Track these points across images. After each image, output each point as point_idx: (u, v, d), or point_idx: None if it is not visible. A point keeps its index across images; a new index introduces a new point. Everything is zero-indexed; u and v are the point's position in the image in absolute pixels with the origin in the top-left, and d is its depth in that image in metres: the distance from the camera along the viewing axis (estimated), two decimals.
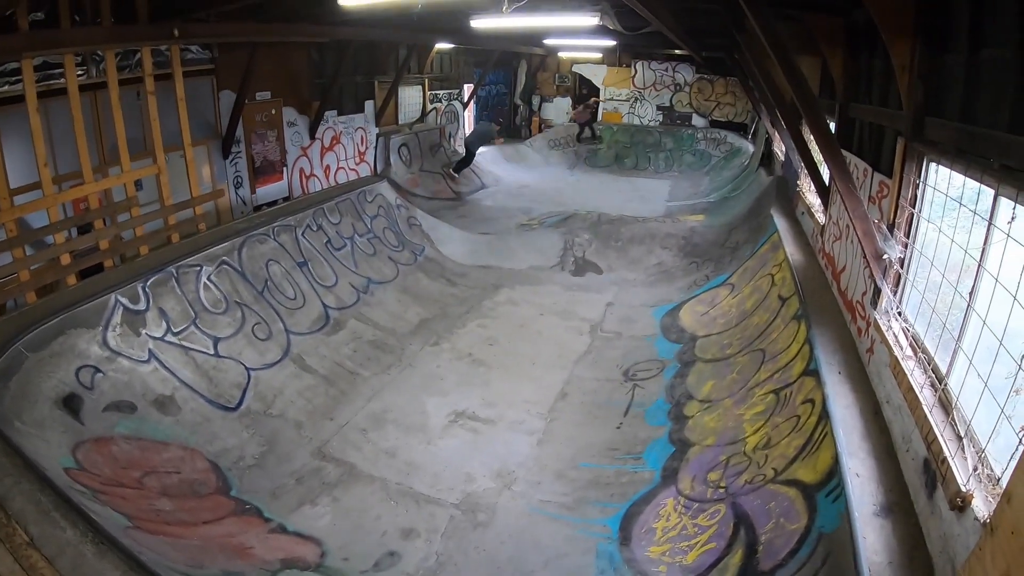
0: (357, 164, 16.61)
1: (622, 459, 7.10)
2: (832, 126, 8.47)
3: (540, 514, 6.31)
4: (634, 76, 25.92)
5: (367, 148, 17.07)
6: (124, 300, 7.57)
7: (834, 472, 4.81)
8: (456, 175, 18.98)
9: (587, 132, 25.28)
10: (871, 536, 4.16)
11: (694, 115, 25.27)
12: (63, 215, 8.24)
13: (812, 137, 9.42)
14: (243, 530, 5.74)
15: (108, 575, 4.06)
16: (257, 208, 12.72)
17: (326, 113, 14.81)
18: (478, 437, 7.64)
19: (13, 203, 7.58)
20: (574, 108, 23.92)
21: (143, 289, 7.87)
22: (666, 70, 25.44)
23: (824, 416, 5.54)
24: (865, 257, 6.34)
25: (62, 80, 8.07)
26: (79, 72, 8.26)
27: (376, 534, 6.00)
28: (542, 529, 6.10)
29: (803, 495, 4.96)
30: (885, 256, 6.14)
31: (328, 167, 15.41)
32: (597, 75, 26.50)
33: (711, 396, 7.71)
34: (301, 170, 14.41)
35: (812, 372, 6.41)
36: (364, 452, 7.26)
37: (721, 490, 5.83)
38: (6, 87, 7.99)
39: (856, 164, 7.86)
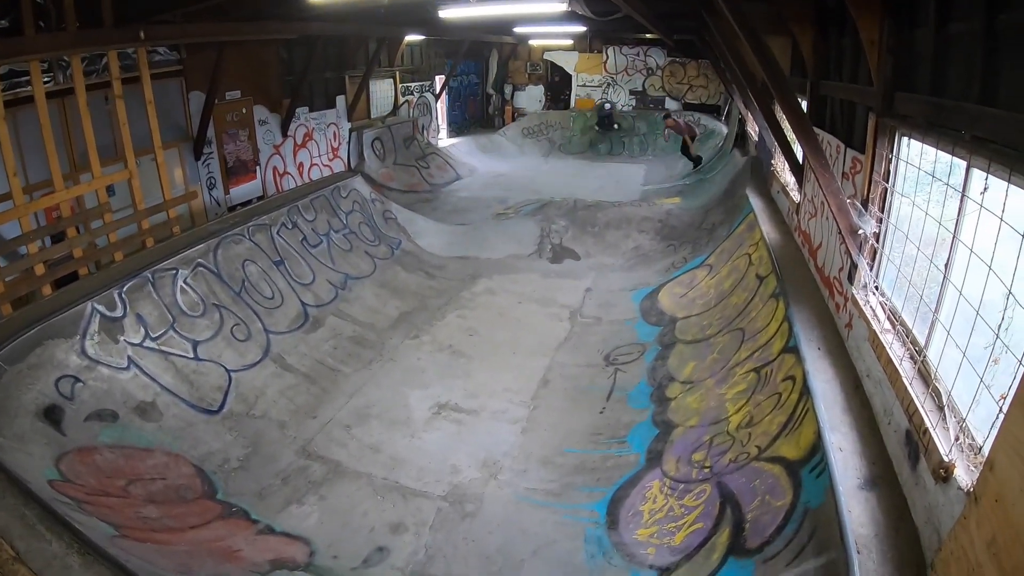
0: (331, 160, 16.58)
1: (606, 443, 7.15)
2: (804, 104, 8.53)
3: (527, 502, 6.36)
4: (606, 62, 25.96)
5: (340, 144, 17.03)
6: (101, 307, 7.52)
7: (817, 447, 4.88)
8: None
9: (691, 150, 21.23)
10: (856, 509, 4.22)
11: (667, 98, 25.32)
12: (35, 224, 8.22)
13: (784, 116, 9.51)
14: (231, 533, 5.74)
15: None
16: (231, 208, 12.68)
17: (297, 110, 14.77)
18: (462, 428, 7.67)
19: None
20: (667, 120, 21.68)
21: (119, 295, 7.81)
22: (638, 55, 25.47)
23: (805, 392, 5.61)
24: (841, 233, 6.40)
25: (29, 88, 8.00)
26: (46, 79, 8.22)
27: (364, 530, 6.02)
28: (530, 517, 6.14)
29: (787, 471, 5.02)
30: (860, 231, 6.20)
31: (301, 164, 15.36)
32: (569, 62, 26.51)
33: (693, 377, 7.78)
34: (274, 168, 14.36)
35: (792, 349, 6.48)
36: (349, 449, 7.27)
37: (706, 470, 5.88)
38: None
39: (829, 141, 7.93)
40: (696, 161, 19.89)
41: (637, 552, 5.42)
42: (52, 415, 6.21)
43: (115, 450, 6.26)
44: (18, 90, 8.31)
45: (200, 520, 5.81)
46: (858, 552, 3.83)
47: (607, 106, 25.40)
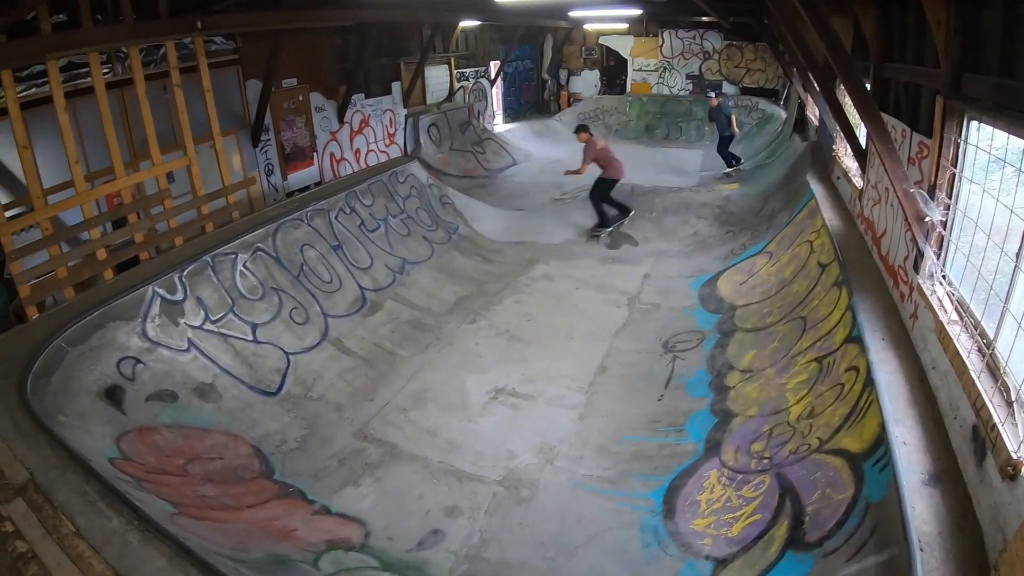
0: (387, 146, 16.63)
1: (664, 431, 7.01)
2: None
3: (583, 489, 6.27)
4: (661, 46, 25.54)
5: (396, 129, 17.08)
6: (161, 291, 7.63)
7: (881, 440, 4.71)
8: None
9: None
10: (920, 505, 4.05)
11: (724, 82, 24.87)
12: (97, 211, 8.36)
13: (847, 99, 9.22)
14: (287, 513, 5.76)
15: (154, 562, 4.07)
16: (289, 194, 12.80)
17: (353, 97, 14.83)
18: (518, 413, 7.60)
19: (47, 202, 7.67)
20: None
21: (180, 279, 7.92)
22: (694, 38, 25.00)
23: (869, 383, 5.41)
24: (906, 220, 6.16)
25: (88, 79, 8.15)
26: (105, 70, 8.32)
27: (419, 513, 6.00)
28: (585, 504, 6.05)
29: (849, 465, 4.85)
30: (927, 219, 5.96)
31: (358, 150, 15.44)
32: (624, 46, 26.15)
33: (752, 366, 7.59)
34: (331, 154, 14.46)
35: (855, 339, 6.26)
36: (405, 432, 7.26)
37: (765, 461, 5.73)
38: (33, 89, 8.09)
39: (893, 125, 7.64)
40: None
41: (693, 542, 5.30)
42: (113, 395, 6.31)
43: (174, 430, 6.34)
44: (78, 81, 8.47)
45: (257, 499, 5.84)
46: (921, 550, 3.68)
47: (713, 94, 19.53)
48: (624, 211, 13.58)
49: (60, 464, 4.91)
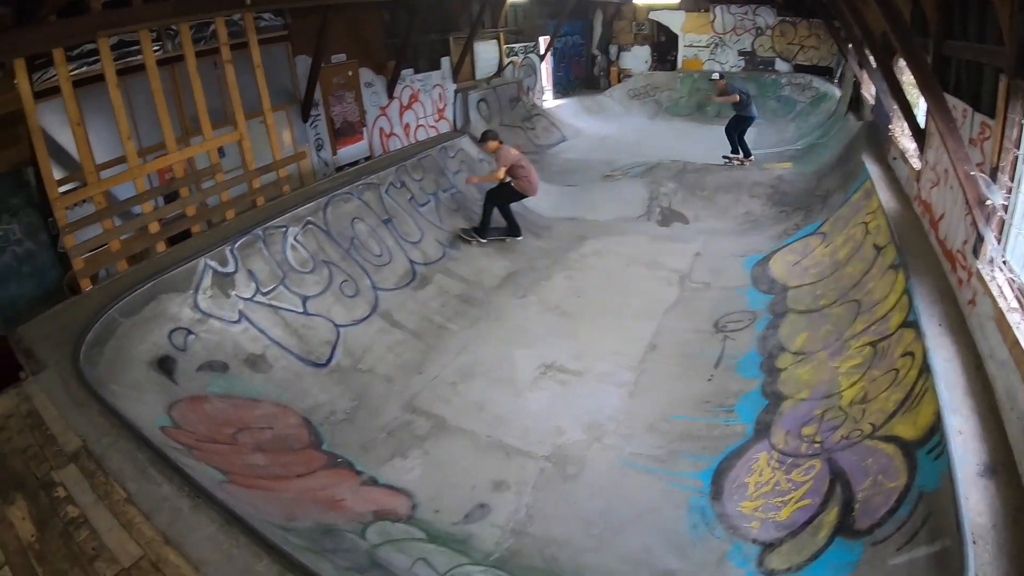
0: (436, 121, 16.56)
1: (714, 412, 6.89)
2: None
3: (631, 467, 6.18)
4: (713, 21, 24.97)
5: (445, 105, 16.99)
6: (213, 263, 7.71)
7: (936, 429, 4.56)
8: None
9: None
10: (974, 497, 3.91)
11: (777, 60, 24.28)
12: (149, 185, 8.44)
13: (905, 77, 8.91)
14: (336, 483, 5.78)
15: (204, 528, 4.09)
16: (339, 169, 12.80)
17: (402, 72, 14.75)
18: (567, 389, 7.53)
19: (100, 177, 7.77)
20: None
21: (231, 252, 8.00)
22: (746, 13, 24.37)
23: (925, 370, 5.23)
24: (966, 203, 5.93)
25: (139, 57, 8.23)
26: (155, 47, 8.37)
27: (466, 486, 5.98)
28: (633, 482, 5.97)
29: (903, 452, 4.71)
30: (988, 202, 5.72)
31: (408, 125, 15.39)
32: (675, 22, 25.62)
33: (805, 348, 7.40)
34: (381, 129, 14.43)
35: (911, 324, 6.05)
36: (454, 405, 7.24)
37: (816, 445, 5.59)
38: (84, 68, 8.16)
39: (954, 105, 7.30)
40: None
41: (741, 525, 5.20)
42: (165, 365, 6.39)
43: (225, 399, 6.40)
44: (128, 59, 8.52)
45: (306, 469, 5.87)
46: (973, 542, 3.56)
47: (717, 75, 16.52)
48: (513, 231, 11.70)
49: (112, 432, 4.98)
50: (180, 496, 4.37)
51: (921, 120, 8.66)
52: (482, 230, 11.46)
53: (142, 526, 4.16)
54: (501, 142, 11.35)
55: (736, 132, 15.54)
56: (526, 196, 11.59)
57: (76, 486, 4.55)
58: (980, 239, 5.84)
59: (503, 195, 11.47)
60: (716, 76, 15.48)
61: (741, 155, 15.39)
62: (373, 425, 6.85)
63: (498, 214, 11.55)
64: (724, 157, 15.58)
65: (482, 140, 11.38)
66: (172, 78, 9.30)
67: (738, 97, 14.86)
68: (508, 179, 11.30)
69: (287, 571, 3.74)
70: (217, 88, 9.64)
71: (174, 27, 8.77)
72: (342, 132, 13.17)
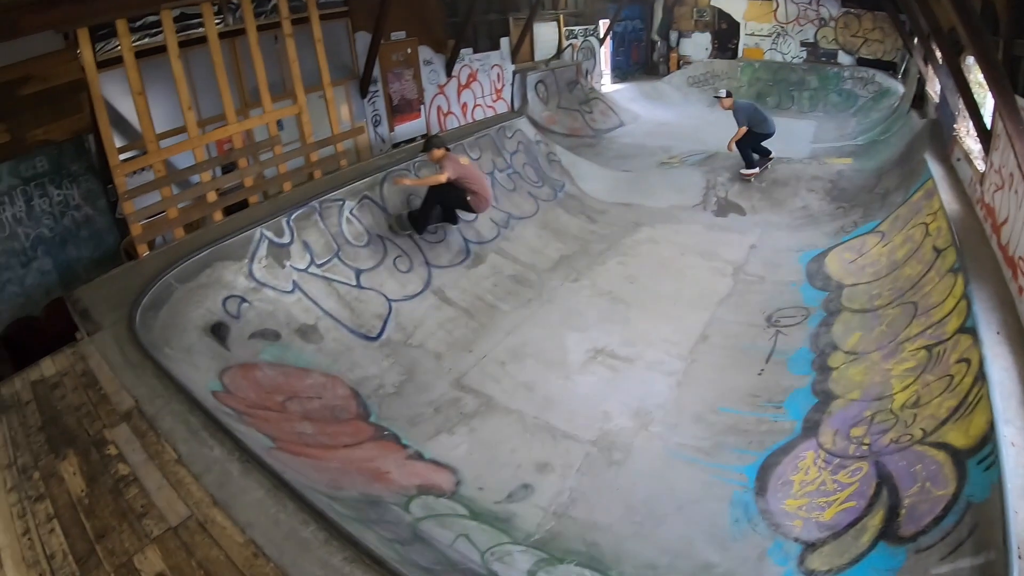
0: (494, 101, 16.53)
1: (762, 407, 6.74)
2: None
3: (676, 457, 6.10)
4: (776, 10, 24.46)
5: (504, 85, 16.96)
6: (269, 234, 7.79)
7: (988, 439, 4.40)
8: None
9: None
10: (1023, 512, 3.75)
11: (840, 52, 23.72)
12: (208, 156, 8.52)
13: (972, 75, 8.62)
14: (382, 455, 5.80)
15: (253, 492, 4.13)
16: (395, 145, 12.85)
17: (461, 51, 14.76)
18: (616, 375, 7.45)
19: (160, 146, 7.87)
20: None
21: (287, 223, 8.07)
22: (810, 3, 23.80)
23: (980, 378, 5.04)
24: None
25: (200, 29, 8.36)
26: (216, 20, 8.49)
27: (511, 466, 5.96)
28: (677, 472, 5.90)
29: (953, 460, 4.56)
30: None
31: (465, 104, 15.40)
32: (737, 9, 25.18)
33: (858, 348, 7.21)
34: (439, 108, 14.45)
35: (968, 330, 5.84)
36: (502, 385, 7.21)
37: (864, 447, 5.46)
38: (147, 39, 8.29)
39: (1023, 106, 7.10)
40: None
41: (783, 522, 5.09)
42: (218, 331, 6.47)
43: (275, 368, 6.46)
44: (190, 32, 8.62)
45: (353, 440, 5.90)
46: (1020, 557, 3.42)
47: (724, 93, 14.52)
48: (419, 225, 9.57)
49: (165, 394, 5.06)
50: (230, 460, 4.41)
51: (988, 121, 8.39)
52: (416, 222, 9.55)
53: (191, 487, 4.21)
54: (448, 150, 9.53)
55: (749, 146, 13.71)
56: (475, 212, 9.93)
57: (127, 445, 4.62)
58: None
59: (451, 200, 9.54)
60: (723, 94, 13.66)
61: (757, 170, 13.81)
62: (421, 400, 6.85)
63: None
64: (741, 174, 13.86)
65: (426, 148, 9.42)
66: (233, 51, 9.39)
67: (745, 130, 13.30)
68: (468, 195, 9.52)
69: (332, 538, 3.74)
70: (277, 62, 9.74)
71: (235, 1, 8.84)
72: (400, 109, 13.20)
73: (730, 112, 13.21)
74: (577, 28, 20.83)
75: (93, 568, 3.71)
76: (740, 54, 25.19)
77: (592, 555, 4.99)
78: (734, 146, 13.38)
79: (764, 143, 13.73)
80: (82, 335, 5.98)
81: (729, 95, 13.51)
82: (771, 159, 13.98)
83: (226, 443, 4.54)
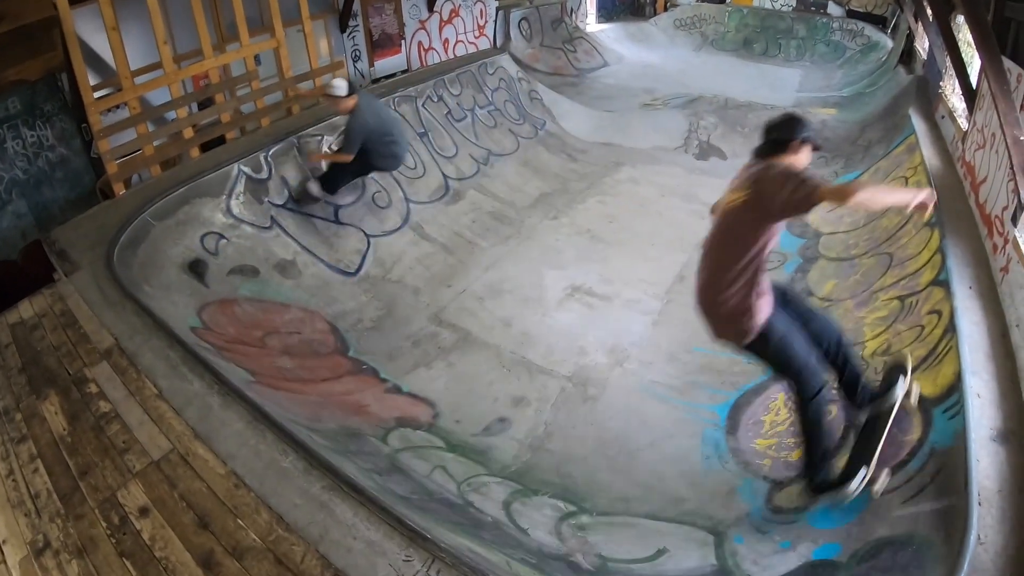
0: (476, 38, 16.29)
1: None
2: None
3: (650, 394, 6.23)
4: None
5: (486, 22, 16.69)
6: (247, 169, 7.75)
7: (955, 389, 4.50)
8: None
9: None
10: (984, 460, 3.88)
11: (830, 3, 23.47)
12: (184, 91, 8.40)
13: (962, 34, 8.60)
14: (360, 388, 5.89)
15: (233, 424, 4.20)
16: (375, 81, 12.69)
17: None
18: (593, 312, 7.56)
19: (135, 82, 7.74)
20: None
21: (265, 159, 8.03)
22: None
23: (950, 330, 5.15)
24: (1011, 169, 5.77)
25: None
26: None
27: (488, 400, 6.07)
28: (651, 409, 6.03)
29: (920, 407, 4.66)
30: None
31: (447, 40, 15.17)
32: None
33: (832, 295, 7.33)
34: (419, 43, 14.24)
35: (942, 283, 5.94)
36: (480, 320, 7.30)
37: (835, 391, 5.59)
38: None
39: (1009, 68, 7.06)
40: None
41: (753, 461, 5.24)
42: (196, 268, 6.49)
43: (254, 303, 6.51)
44: None
45: (332, 374, 5.98)
46: (979, 504, 3.55)
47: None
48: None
49: (144, 330, 5.09)
50: (210, 393, 4.48)
51: (974, 80, 8.40)
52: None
53: (172, 421, 4.28)
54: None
55: (351, 173, 8.43)
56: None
57: (108, 382, 4.68)
58: (1021, 207, 5.70)
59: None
60: (338, 89, 7.70)
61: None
62: (399, 335, 6.94)
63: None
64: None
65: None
66: None
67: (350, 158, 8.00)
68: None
69: (312, 468, 3.83)
70: None
71: None
72: (380, 44, 13.02)
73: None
74: None
75: (77, 504, 3.80)
76: None
77: (566, 487, 5.10)
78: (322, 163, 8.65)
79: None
80: (60, 276, 5.98)
81: (352, 91, 7.84)
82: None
83: (205, 377, 4.60)
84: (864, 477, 4.13)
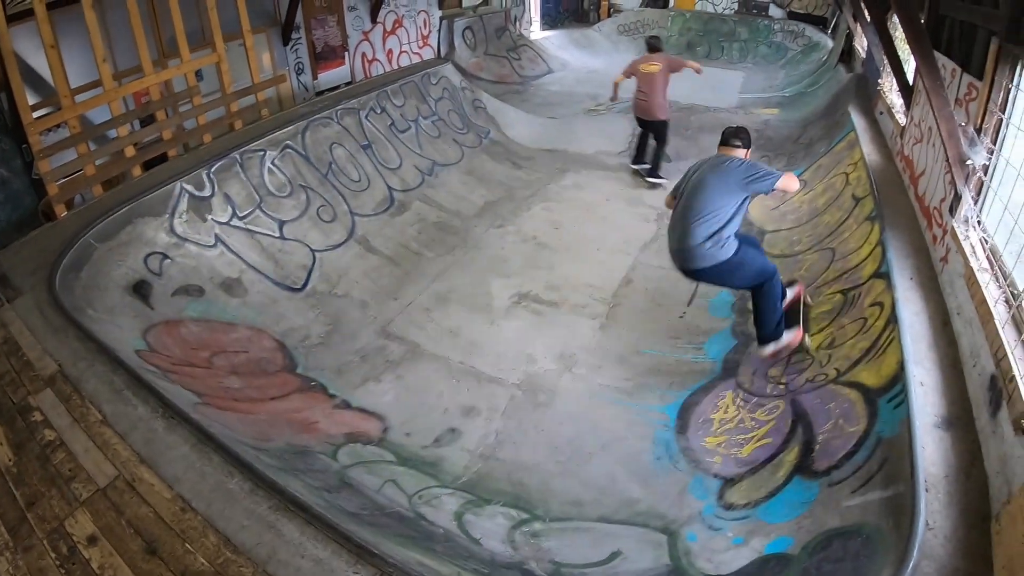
0: (420, 48, 16.36)
1: (683, 348, 7.01)
2: None
3: (600, 398, 6.32)
4: None
5: (430, 32, 16.78)
6: (189, 187, 7.69)
7: (898, 378, 4.65)
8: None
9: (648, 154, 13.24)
10: (929, 447, 4.04)
11: (771, 5, 23.93)
12: (125, 109, 8.36)
13: (899, 32, 8.87)
14: (309, 405, 5.89)
15: (178, 448, 4.19)
16: (319, 93, 12.70)
17: None
18: (541, 319, 7.63)
19: (75, 101, 7.67)
20: None
21: (208, 176, 7.96)
22: None
23: (892, 320, 5.32)
24: (947, 161, 5.99)
25: None
26: None
27: (438, 411, 6.11)
28: (601, 412, 6.12)
29: (864, 398, 4.82)
30: (969, 161, 5.77)
31: (391, 51, 15.22)
32: None
33: None
34: (363, 55, 14.27)
35: (883, 275, 6.13)
36: (428, 331, 7.34)
37: (781, 387, 5.71)
38: None
39: (944, 64, 7.27)
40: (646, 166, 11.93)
41: (703, 459, 5.34)
42: (140, 290, 6.43)
43: (200, 323, 6.47)
44: None
45: (280, 392, 5.97)
46: (926, 490, 3.68)
47: None
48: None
49: (88, 356, 5.04)
50: (155, 417, 4.45)
51: (910, 77, 8.67)
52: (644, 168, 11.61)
53: (118, 447, 4.25)
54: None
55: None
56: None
57: (53, 410, 4.63)
58: (957, 198, 5.91)
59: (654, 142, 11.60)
60: None
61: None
62: (348, 349, 6.94)
63: None
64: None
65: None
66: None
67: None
68: None
69: (258, 488, 3.85)
70: (195, 9, 9.49)
71: None
72: (323, 56, 13.03)
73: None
74: None
75: (25, 536, 3.76)
76: (671, 3, 25.29)
77: (518, 494, 5.16)
78: None
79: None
80: (2, 302, 5.91)
81: None
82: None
83: (150, 401, 4.57)
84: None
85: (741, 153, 6.02)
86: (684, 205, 5.96)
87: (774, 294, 6.02)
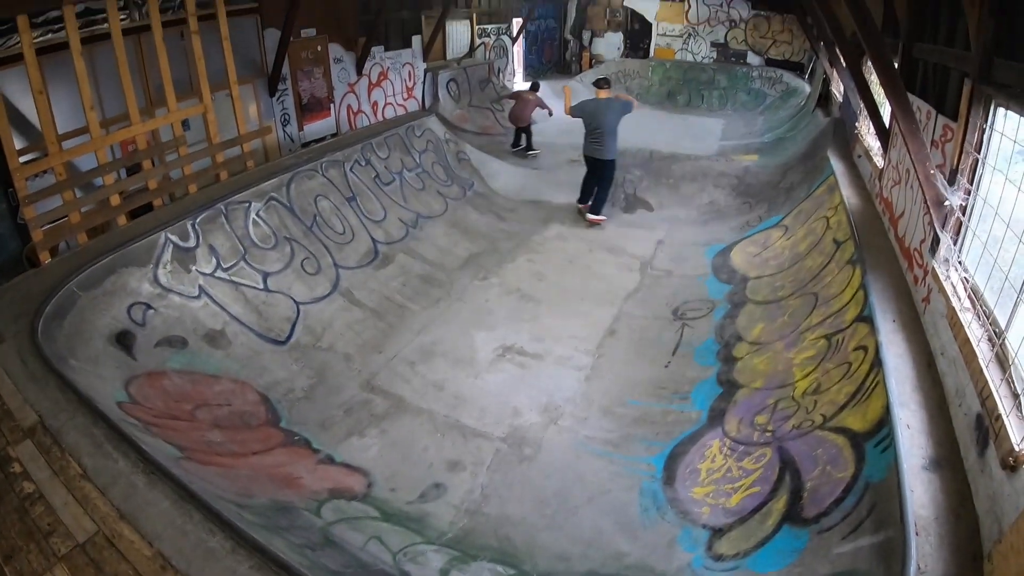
0: (405, 100, 16.50)
1: (669, 398, 7.03)
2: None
3: (586, 450, 6.31)
4: (688, 11, 25.08)
5: (415, 83, 16.94)
6: (174, 238, 7.68)
7: (884, 422, 4.68)
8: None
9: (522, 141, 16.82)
10: (918, 489, 4.06)
11: (749, 53, 24.46)
12: (111, 157, 8.37)
13: (874, 76, 9.08)
14: (292, 460, 5.83)
15: (159, 504, 4.13)
16: (305, 145, 12.75)
17: (372, 49, 14.68)
18: (526, 372, 7.63)
19: (62, 147, 7.67)
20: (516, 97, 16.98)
21: (192, 226, 7.96)
22: (721, 6, 24.52)
23: (876, 364, 5.37)
24: (925, 203, 6.09)
25: (105, 25, 8.11)
26: (121, 16, 8.29)
27: (423, 466, 6.06)
28: (587, 465, 6.10)
29: (851, 443, 4.84)
30: (947, 202, 5.87)
31: (376, 103, 15.34)
32: (649, 10, 25.69)
33: (761, 339, 7.55)
34: (349, 106, 14.36)
35: (866, 318, 6.21)
36: (412, 385, 7.30)
37: (768, 434, 5.73)
38: (49, 35, 8.03)
39: (919, 106, 7.46)
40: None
41: (691, 510, 5.33)
42: (124, 340, 6.38)
43: (183, 375, 6.41)
44: (94, 27, 8.40)
45: (263, 446, 5.91)
46: (916, 534, 3.69)
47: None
48: None
49: (69, 407, 4.97)
50: (135, 472, 4.39)
51: (886, 119, 8.84)
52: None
53: (97, 501, 4.18)
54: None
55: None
56: None
57: (32, 462, 4.55)
58: (937, 239, 5.99)
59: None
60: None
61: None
62: (332, 403, 6.89)
63: None
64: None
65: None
66: (138, 48, 9.17)
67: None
68: None
69: (239, 547, 3.79)
70: (183, 59, 9.54)
71: None
72: (309, 108, 13.10)
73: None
74: (490, 27, 20.96)
75: None
76: (651, 54, 25.73)
77: (505, 550, 5.12)
78: None
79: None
80: None
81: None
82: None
83: (131, 455, 4.51)
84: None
85: (611, 93, 11.95)
86: (595, 127, 11.94)
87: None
